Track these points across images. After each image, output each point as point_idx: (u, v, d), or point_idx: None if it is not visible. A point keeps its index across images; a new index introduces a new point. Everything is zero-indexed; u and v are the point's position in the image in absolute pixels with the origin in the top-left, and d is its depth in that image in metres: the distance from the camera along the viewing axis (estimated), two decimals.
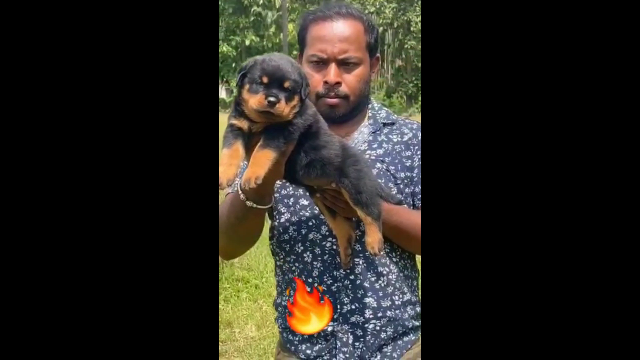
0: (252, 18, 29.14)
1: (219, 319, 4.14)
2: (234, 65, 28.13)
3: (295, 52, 1.74)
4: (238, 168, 1.26)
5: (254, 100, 1.25)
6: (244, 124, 1.30)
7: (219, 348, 3.84)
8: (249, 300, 4.53)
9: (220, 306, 4.36)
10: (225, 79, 28.67)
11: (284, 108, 1.25)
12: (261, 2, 28.79)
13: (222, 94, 28.72)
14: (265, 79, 1.26)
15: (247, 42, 28.70)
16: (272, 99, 1.24)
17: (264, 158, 1.26)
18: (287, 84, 1.26)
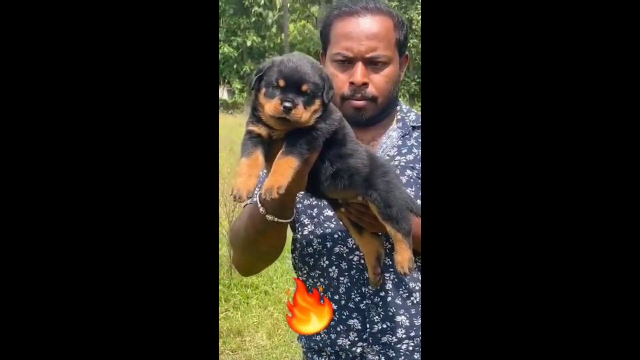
0: (253, 19, 29.01)
1: (229, 327, 4.05)
2: (235, 66, 27.98)
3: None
4: (258, 178, 1.15)
5: (270, 106, 1.14)
6: (262, 131, 1.19)
7: (230, 357, 3.74)
8: (258, 307, 4.43)
9: (229, 313, 4.28)
10: (226, 80, 28.57)
11: (302, 114, 1.14)
12: (262, 2, 28.67)
13: (224, 95, 28.59)
14: (281, 82, 1.14)
15: (249, 43, 28.56)
16: (287, 104, 1.12)
17: (287, 166, 1.14)
18: (305, 87, 1.15)
